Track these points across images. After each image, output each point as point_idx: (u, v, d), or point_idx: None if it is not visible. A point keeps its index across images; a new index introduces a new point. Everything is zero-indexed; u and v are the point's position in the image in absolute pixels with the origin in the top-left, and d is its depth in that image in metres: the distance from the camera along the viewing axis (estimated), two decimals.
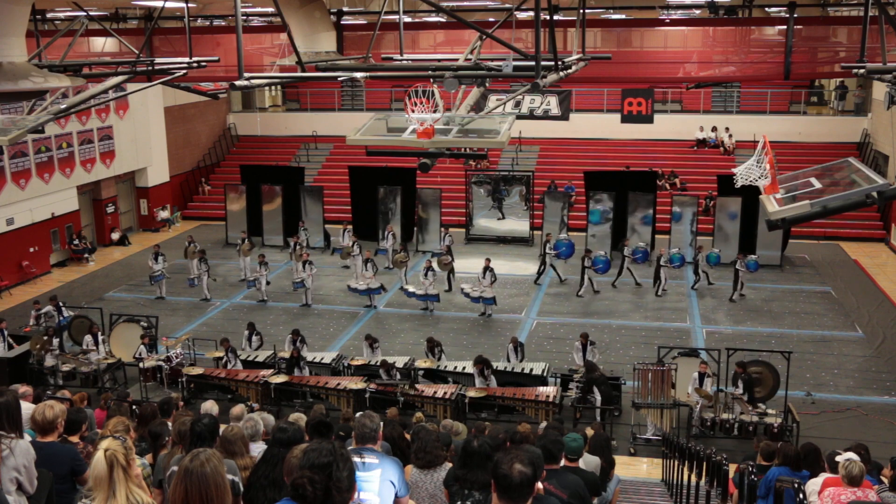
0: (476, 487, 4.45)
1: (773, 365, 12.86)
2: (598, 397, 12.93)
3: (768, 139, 8.67)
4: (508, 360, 14.37)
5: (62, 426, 5.11)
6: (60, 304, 16.92)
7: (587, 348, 14.05)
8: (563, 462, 5.16)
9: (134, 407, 9.03)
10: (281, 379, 13.64)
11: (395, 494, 4.38)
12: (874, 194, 7.68)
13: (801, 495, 5.47)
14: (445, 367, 14.09)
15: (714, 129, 28.50)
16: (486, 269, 18.34)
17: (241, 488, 4.58)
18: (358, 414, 4.96)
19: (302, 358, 14.18)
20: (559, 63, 9.23)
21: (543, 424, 10.73)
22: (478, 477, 4.46)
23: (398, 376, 13.63)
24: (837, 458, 6.26)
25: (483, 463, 4.46)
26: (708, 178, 25.12)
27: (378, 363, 14.07)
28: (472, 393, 13.01)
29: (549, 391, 13.01)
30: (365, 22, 16.53)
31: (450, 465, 5.24)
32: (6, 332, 15.07)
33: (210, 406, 7.57)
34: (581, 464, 6.24)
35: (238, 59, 7.85)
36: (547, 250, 20.47)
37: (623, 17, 21.20)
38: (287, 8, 10.63)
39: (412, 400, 12.99)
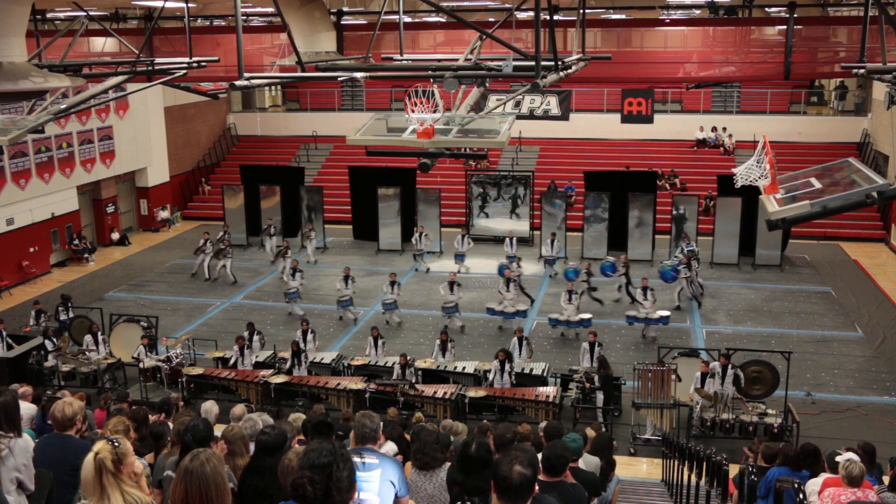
0: (475, 493, 4.43)
1: (773, 365, 12.86)
2: (601, 396, 12.94)
3: (768, 139, 8.66)
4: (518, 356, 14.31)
5: (80, 422, 5.13)
6: (59, 307, 16.95)
7: (595, 348, 13.96)
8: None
9: (133, 408, 9.03)
10: (281, 379, 13.65)
11: (396, 494, 4.38)
12: (874, 194, 7.67)
13: (801, 495, 5.47)
14: (455, 367, 14.05)
15: (714, 129, 28.51)
16: (509, 280, 17.36)
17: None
18: (358, 414, 4.93)
19: (302, 351, 14.19)
20: (559, 63, 9.22)
21: (543, 424, 10.72)
22: (476, 483, 4.44)
23: (412, 376, 13.60)
24: (837, 459, 6.27)
25: (480, 469, 4.44)
26: (708, 178, 25.12)
27: (382, 363, 14.13)
28: (472, 393, 13.00)
29: (549, 391, 13.00)
30: (365, 22, 16.52)
31: (449, 464, 5.23)
32: (5, 333, 15.06)
33: (210, 406, 7.56)
34: (581, 464, 6.24)
35: (238, 59, 7.84)
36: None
37: (623, 17, 21.19)
38: (287, 8, 10.63)
39: (412, 400, 12.98)
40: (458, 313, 17.58)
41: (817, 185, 8.26)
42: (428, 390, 13.04)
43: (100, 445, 3.47)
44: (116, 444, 3.51)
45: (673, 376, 12.54)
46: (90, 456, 3.43)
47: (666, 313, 16.76)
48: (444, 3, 16.01)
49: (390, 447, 6.04)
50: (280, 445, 4.65)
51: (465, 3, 18.35)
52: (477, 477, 4.43)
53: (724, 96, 29.77)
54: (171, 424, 6.25)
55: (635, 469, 11.96)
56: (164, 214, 27.90)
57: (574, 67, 11.50)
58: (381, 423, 5.01)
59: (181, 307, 19.33)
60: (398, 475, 4.42)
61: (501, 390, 13.08)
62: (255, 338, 14.80)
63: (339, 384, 13.42)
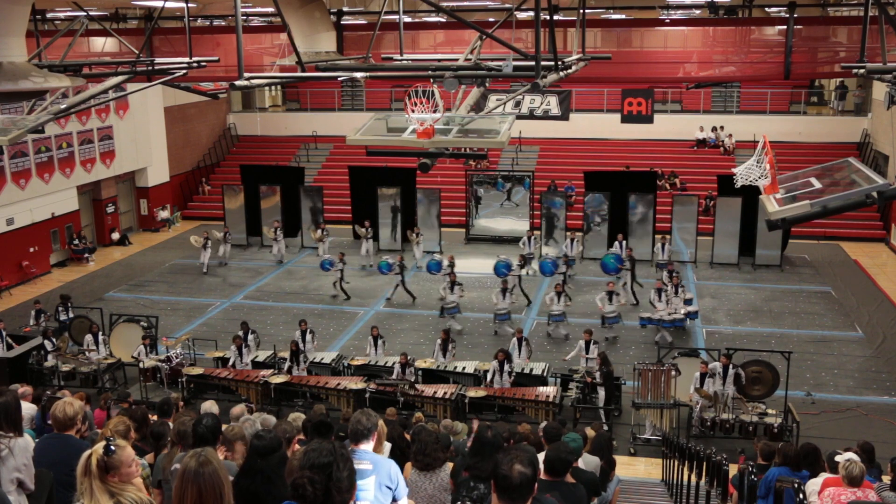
0: (484, 476, 4.45)
1: (773, 365, 12.86)
2: (602, 395, 12.94)
3: (768, 139, 8.66)
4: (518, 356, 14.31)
5: (80, 422, 5.14)
6: (59, 307, 16.97)
7: (590, 346, 13.97)
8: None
9: (134, 407, 9.03)
10: (281, 379, 13.64)
11: (393, 497, 4.35)
12: (874, 194, 7.66)
13: (801, 495, 5.47)
14: (455, 367, 14.04)
15: (714, 129, 28.51)
16: (660, 290, 16.94)
17: None
18: (357, 411, 4.93)
19: (301, 351, 14.17)
20: (559, 63, 9.23)
21: (543, 424, 10.73)
22: (489, 466, 4.46)
23: (412, 376, 13.59)
24: (837, 459, 6.26)
25: (494, 453, 4.47)
26: (708, 178, 25.12)
27: (382, 362, 14.12)
28: (472, 393, 13.00)
29: (549, 391, 13.00)
30: (365, 22, 16.53)
31: (450, 465, 5.24)
32: (5, 333, 15.06)
33: (210, 406, 7.57)
34: (581, 464, 6.25)
35: (238, 59, 7.84)
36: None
37: (623, 17, 21.19)
38: (287, 8, 10.62)
39: (412, 400, 12.98)
40: (459, 313, 17.55)
41: (817, 185, 8.26)
42: (428, 390, 13.04)
43: (96, 447, 3.46)
44: (111, 451, 3.46)
45: (673, 372, 12.54)
46: (84, 455, 3.43)
47: (694, 307, 16.93)
48: (444, 3, 16.02)
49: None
50: (274, 449, 4.64)
51: (465, 3, 18.37)
52: (490, 461, 4.45)
53: (724, 96, 29.78)
54: (171, 424, 6.24)
55: (635, 469, 11.95)
56: (164, 214, 27.90)
57: (574, 67, 11.51)
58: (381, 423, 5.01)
59: (181, 307, 19.33)
60: (395, 476, 4.39)
61: (501, 390, 13.08)
62: (250, 337, 14.79)
63: (339, 384, 13.42)
